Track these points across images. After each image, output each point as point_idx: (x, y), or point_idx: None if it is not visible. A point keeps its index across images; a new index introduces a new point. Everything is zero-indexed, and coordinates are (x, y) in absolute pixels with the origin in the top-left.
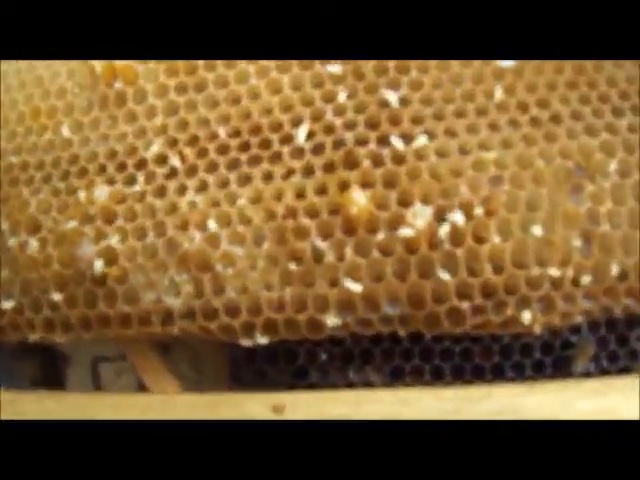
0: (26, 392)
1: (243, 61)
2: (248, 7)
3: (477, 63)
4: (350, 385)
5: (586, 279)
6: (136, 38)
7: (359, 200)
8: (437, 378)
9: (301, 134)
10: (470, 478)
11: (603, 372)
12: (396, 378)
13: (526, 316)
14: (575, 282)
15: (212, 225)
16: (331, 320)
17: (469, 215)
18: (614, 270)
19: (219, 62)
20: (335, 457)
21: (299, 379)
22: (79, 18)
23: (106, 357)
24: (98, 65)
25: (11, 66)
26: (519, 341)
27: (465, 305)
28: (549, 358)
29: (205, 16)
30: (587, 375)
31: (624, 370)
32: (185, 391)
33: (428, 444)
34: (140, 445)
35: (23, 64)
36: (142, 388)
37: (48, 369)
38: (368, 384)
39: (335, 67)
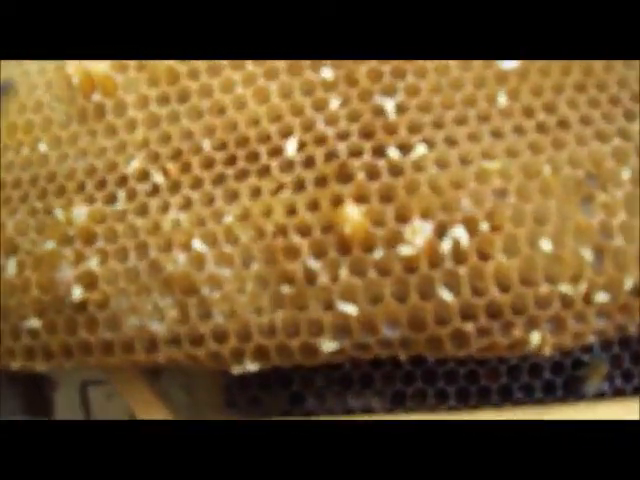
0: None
1: (228, 69)
2: (248, 7)
3: (478, 66)
4: (349, 411)
5: (599, 296)
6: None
7: (353, 216)
8: (441, 402)
9: (290, 146)
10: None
11: (617, 392)
12: (398, 403)
13: (535, 337)
14: (587, 299)
15: (197, 245)
16: (326, 345)
17: (472, 230)
18: (628, 285)
19: (202, 70)
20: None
21: (295, 405)
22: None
23: (95, 380)
24: (75, 76)
25: None
26: (528, 361)
27: (469, 327)
28: (560, 379)
29: (205, 15)
30: (601, 396)
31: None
32: (176, 418)
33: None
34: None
35: None
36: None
37: (34, 394)
38: (368, 410)
39: (326, 72)
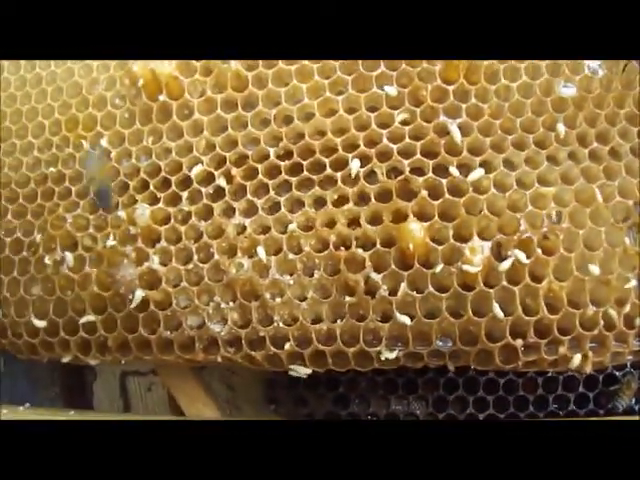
0: None
1: (294, 78)
2: (249, 7)
3: (538, 92)
4: (392, 414)
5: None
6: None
7: (415, 233)
8: (481, 410)
9: (355, 159)
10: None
11: None
12: (439, 409)
13: (578, 356)
14: (629, 322)
15: (261, 252)
16: (384, 354)
17: (527, 252)
18: None
19: (269, 77)
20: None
21: (339, 407)
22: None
23: (135, 371)
24: (141, 76)
25: (45, 70)
26: (563, 374)
27: (519, 343)
28: (592, 393)
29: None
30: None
31: None
32: (218, 410)
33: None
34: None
35: (59, 70)
36: (173, 403)
37: (74, 382)
38: (410, 414)
39: (392, 89)
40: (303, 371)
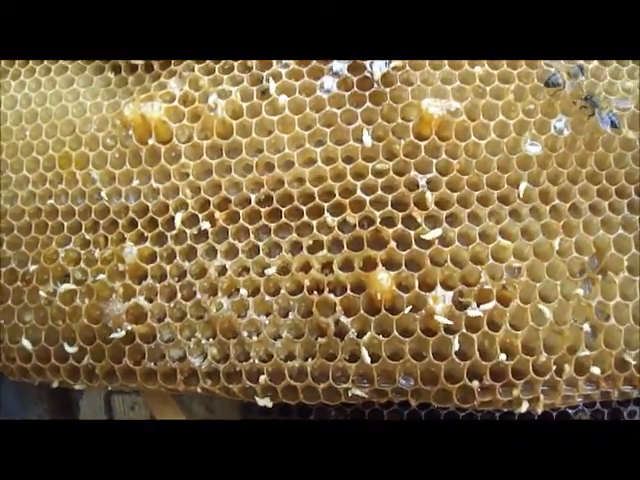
0: None
1: (277, 129)
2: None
3: (505, 150)
4: None
5: (589, 367)
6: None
7: (383, 282)
8: None
9: (329, 208)
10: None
11: None
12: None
13: (530, 398)
14: (579, 369)
15: (241, 292)
16: (350, 391)
17: (486, 302)
18: (616, 360)
19: (253, 126)
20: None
21: None
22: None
23: (120, 390)
24: (132, 120)
25: (41, 107)
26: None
27: (475, 385)
28: None
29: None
30: None
31: None
32: None
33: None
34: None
35: (54, 107)
36: None
37: (61, 400)
38: None
39: (368, 139)
40: (264, 402)
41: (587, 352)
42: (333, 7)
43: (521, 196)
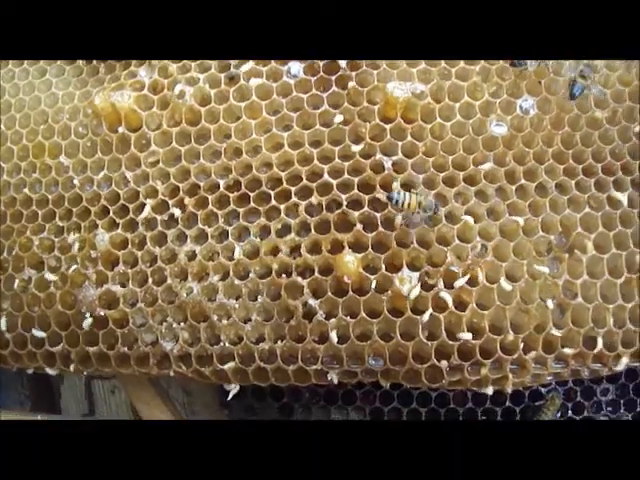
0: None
1: (244, 114)
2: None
3: (470, 131)
4: None
5: (557, 345)
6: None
7: (350, 264)
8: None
9: (295, 191)
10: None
11: None
12: (376, 419)
13: (499, 377)
14: (547, 347)
15: (210, 277)
16: (319, 371)
17: (453, 282)
18: (584, 338)
19: (221, 112)
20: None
21: (284, 415)
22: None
23: (100, 375)
24: (102, 108)
25: (14, 97)
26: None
27: (444, 364)
28: (518, 407)
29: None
30: None
31: None
32: (174, 414)
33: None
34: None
35: (27, 98)
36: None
37: (41, 385)
38: None
39: (338, 118)
40: (231, 387)
41: (555, 330)
42: (333, 7)
43: (484, 175)
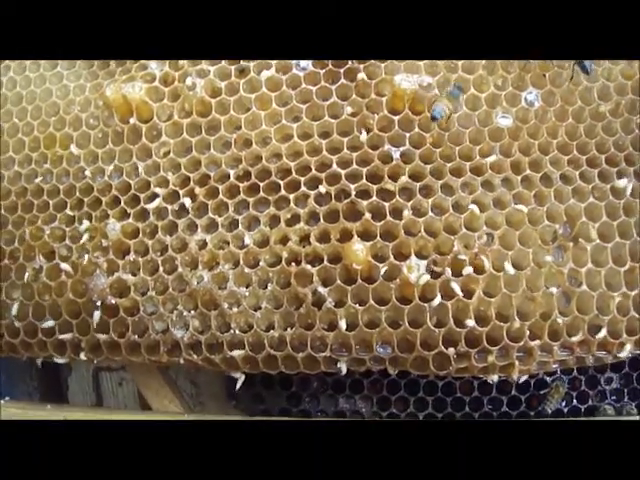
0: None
1: (254, 106)
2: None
3: (476, 123)
4: (340, 412)
5: (563, 333)
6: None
7: (359, 252)
8: (420, 409)
9: (304, 181)
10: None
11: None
12: (383, 408)
13: (505, 364)
14: (553, 335)
15: (220, 265)
16: (328, 358)
17: (460, 270)
18: (589, 325)
19: (231, 104)
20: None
21: (292, 404)
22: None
23: (108, 367)
24: (114, 100)
25: (25, 89)
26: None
27: (451, 352)
28: (524, 396)
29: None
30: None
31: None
32: (182, 405)
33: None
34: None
35: (38, 90)
36: (142, 398)
37: (49, 377)
38: (356, 412)
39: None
40: (238, 375)
41: (560, 318)
42: (333, 7)
43: (490, 166)
